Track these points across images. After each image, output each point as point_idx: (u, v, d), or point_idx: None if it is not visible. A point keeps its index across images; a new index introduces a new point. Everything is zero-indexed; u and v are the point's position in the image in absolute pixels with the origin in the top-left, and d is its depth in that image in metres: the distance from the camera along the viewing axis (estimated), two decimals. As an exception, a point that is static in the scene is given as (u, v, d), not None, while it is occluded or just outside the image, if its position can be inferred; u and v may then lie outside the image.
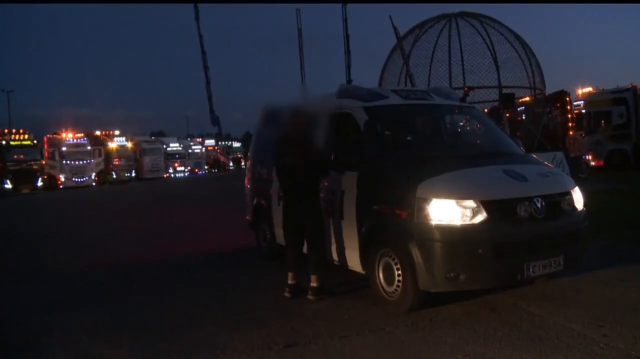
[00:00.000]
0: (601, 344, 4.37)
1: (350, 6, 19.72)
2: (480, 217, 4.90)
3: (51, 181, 36.98)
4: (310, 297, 5.91)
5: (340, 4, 20.10)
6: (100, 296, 6.77)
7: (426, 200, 4.96)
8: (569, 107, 21.72)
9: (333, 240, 6.11)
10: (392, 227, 5.28)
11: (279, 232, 7.33)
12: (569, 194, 5.52)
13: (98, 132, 44.32)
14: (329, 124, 5.95)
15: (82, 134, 40.29)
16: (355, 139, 5.91)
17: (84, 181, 38.36)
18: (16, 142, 35.24)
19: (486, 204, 4.93)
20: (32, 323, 5.77)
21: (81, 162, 38.55)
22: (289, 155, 5.90)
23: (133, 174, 43.54)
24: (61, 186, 37.06)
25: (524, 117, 20.79)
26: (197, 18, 20.65)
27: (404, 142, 6.40)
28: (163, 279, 7.46)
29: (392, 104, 6.34)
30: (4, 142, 34.67)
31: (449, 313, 5.30)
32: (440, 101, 6.69)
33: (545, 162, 6.24)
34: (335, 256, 6.15)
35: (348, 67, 21.81)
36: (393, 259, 5.30)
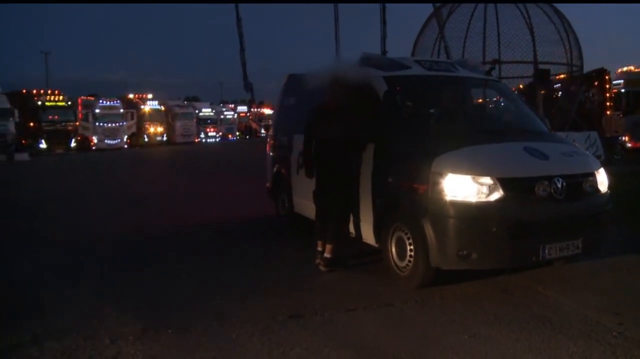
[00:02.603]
0: (614, 333, 4.22)
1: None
2: (497, 194, 4.77)
3: (84, 142, 37.57)
4: (321, 268, 5.89)
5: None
6: (111, 264, 6.77)
7: (441, 175, 4.84)
8: (607, 86, 21.05)
9: (353, 213, 6.04)
10: (406, 201, 5.18)
11: (298, 201, 7.31)
12: (592, 175, 5.31)
13: (131, 95, 44.67)
14: (356, 95, 5.84)
15: (115, 97, 40.74)
16: (374, 110, 5.78)
17: (116, 143, 38.87)
18: (51, 103, 35.78)
19: (503, 182, 4.78)
20: (46, 285, 5.86)
21: (114, 125, 39.06)
22: (329, 127, 5.77)
23: (164, 138, 43.87)
24: (94, 148, 37.63)
25: (559, 95, 20.23)
26: (233, -17, 20.52)
27: (423, 114, 6.23)
28: (177, 248, 7.44)
29: (413, 74, 6.18)
30: (39, 103, 35.25)
31: (460, 291, 5.21)
32: (465, 74, 6.50)
33: (573, 142, 6.00)
34: (351, 228, 6.08)
35: (384, 38, 21.41)
36: (406, 234, 5.22)
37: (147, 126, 43.07)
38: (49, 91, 37.10)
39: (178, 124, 45.65)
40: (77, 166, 24.23)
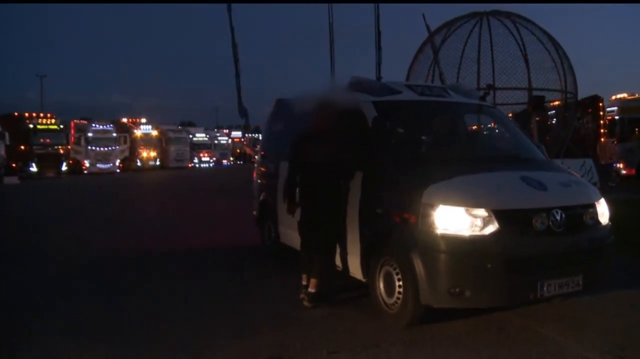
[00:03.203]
0: (619, 378, 3.89)
1: (383, 3, 19.14)
2: (492, 228, 4.45)
3: (76, 166, 37.29)
4: (305, 303, 5.54)
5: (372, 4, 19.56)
6: (81, 293, 6.43)
7: (432, 206, 4.52)
8: (601, 113, 20.96)
9: (339, 245, 5.71)
10: (395, 234, 4.86)
11: (284, 231, 6.99)
12: (592, 206, 5.00)
13: (125, 120, 44.51)
14: (344, 121, 5.58)
15: (108, 121, 40.56)
16: (363, 136, 5.50)
17: (108, 167, 38.58)
18: (43, 126, 35.54)
19: (498, 214, 4.47)
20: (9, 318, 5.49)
21: (106, 149, 38.82)
22: (314, 152, 5.47)
23: (157, 163, 43.58)
24: (85, 172, 37.31)
25: (554, 122, 20.11)
26: (229, 9, 20.44)
27: (414, 141, 5.96)
28: (155, 278, 7.08)
29: (404, 99, 5.90)
30: (30, 126, 34.98)
31: (453, 330, 4.85)
32: (458, 99, 6.22)
33: (571, 171, 5.72)
34: (337, 261, 5.75)
35: (379, 64, 21.37)
36: (394, 269, 4.89)
37: (140, 150, 42.87)
38: (41, 114, 36.93)
39: (172, 149, 45.54)
40: (66, 191, 23.81)
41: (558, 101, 19.07)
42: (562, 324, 4.99)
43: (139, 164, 42.00)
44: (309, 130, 5.65)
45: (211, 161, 49.17)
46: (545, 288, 4.50)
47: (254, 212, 8.27)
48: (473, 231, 4.45)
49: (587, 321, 5.10)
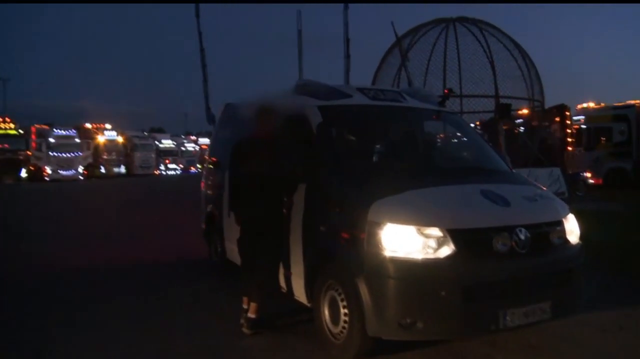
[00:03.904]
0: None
1: (352, 9, 18.74)
2: (447, 250, 3.92)
3: (37, 173, 35.99)
4: (244, 330, 4.96)
5: (342, 4, 19.16)
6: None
7: (379, 224, 3.97)
8: (568, 122, 20.82)
9: (283, 263, 5.14)
10: (339, 255, 4.31)
11: (230, 247, 6.40)
12: (560, 223, 4.49)
13: (88, 125, 43.34)
14: (288, 127, 5.04)
15: (70, 126, 39.37)
16: (308, 144, 4.95)
17: (71, 174, 37.37)
18: (1, 131, 34.35)
19: (455, 234, 3.95)
20: None
21: (69, 155, 37.56)
22: (253, 162, 4.88)
23: (123, 170, 42.47)
24: (47, 178, 36.06)
25: (521, 130, 19.93)
26: (197, 15, 19.82)
27: (364, 150, 5.41)
28: (82, 297, 6.38)
29: (353, 104, 5.35)
30: (-13, 131, 33.75)
31: (406, 363, 4.34)
32: (414, 104, 5.68)
33: (536, 184, 5.22)
34: (282, 281, 5.20)
35: (347, 71, 20.99)
36: (339, 295, 4.31)
37: (104, 156, 41.71)
38: (0, 119, 35.60)
39: (137, 156, 44.51)
40: (21, 198, 22.80)
41: (526, 109, 18.92)
42: (529, 354, 4.52)
43: (103, 171, 40.82)
44: (247, 137, 5.08)
45: (178, 168, 48.19)
46: (507, 318, 3.97)
47: (202, 225, 7.68)
48: (426, 253, 3.91)
49: (556, 349, 4.63)
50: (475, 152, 5.75)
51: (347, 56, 21.13)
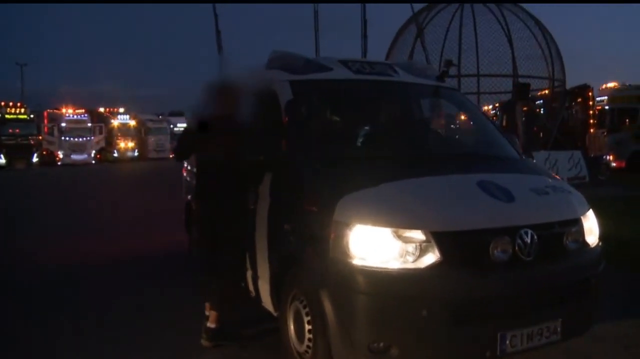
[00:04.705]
0: None
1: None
2: (431, 257, 3.10)
3: (49, 157, 35.84)
4: (203, 342, 4.24)
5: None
6: None
7: (347, 225, 3.18)
8: (590, 103, 19.91)
9: (248, 264, 4.44)
10: (302, 260, 3.51)
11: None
12: (577, 222, 3.60)
13: (102, 109, 43.11)
14: (254, 107, 4.34)
15: (82, 110, 39.07)
16: (275, 126, 4.21)
17: (83, 158, 37.15)
18: (11, 116, 34.19)
19: (441, 238, 3.11)
20: None
21: (81, 139, 37.34)
22: (211, 147, 4.22)
23: (136, 154, 42.14)
24: (59, 163, 35.91)
25: (541, 112, 19.07)
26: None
27: (340, 133, 4.57)
28: (53, 298, 5.68)
29: (332, 78, 4.55)
30: (-1, 116, 33.60)
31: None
32: (406, 79, 4.82)
33: (550, 172, 4.44)
34: (250, 285, 4.52)
35: (364, 52, 20.32)
36: (304, 308, 3.48)
37: (117, 140, 41.42)
38: (10, 103, 35.39)
39: (151, 139, 44.06)
40: (31, 183, 22.42)
41: (546, 89, 18.05)
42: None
43: (115, 155, 40.54)
44: (205, 118, 4.31)
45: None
46: (508, 342, 3.17)
47: (183, 215, 7.05)
48: (404, 262, 3.10)
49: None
50: (477, 134, 4.95)
51: (365, 36, 20.38)
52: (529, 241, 3.27)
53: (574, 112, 20.18)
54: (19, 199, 15.87)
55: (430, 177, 3.60)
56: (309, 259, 3.41)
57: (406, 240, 3.11)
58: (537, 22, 17.32)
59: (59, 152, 36.44)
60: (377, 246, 3.11)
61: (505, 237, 3.20)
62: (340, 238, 3.18)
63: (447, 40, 17.45)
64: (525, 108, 17.08)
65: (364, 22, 19.36)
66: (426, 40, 17.20)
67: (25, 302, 5.52)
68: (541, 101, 19.32)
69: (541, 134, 18.50)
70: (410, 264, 3.09)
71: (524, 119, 16.60)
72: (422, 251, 3.10)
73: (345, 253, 3.16)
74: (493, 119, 23.37)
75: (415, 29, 17.26)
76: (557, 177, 4.27)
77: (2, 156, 32.51)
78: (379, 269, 3.08)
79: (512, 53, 16.35)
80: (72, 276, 6.56)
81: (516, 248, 3.23)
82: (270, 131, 4.21)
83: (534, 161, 14.05)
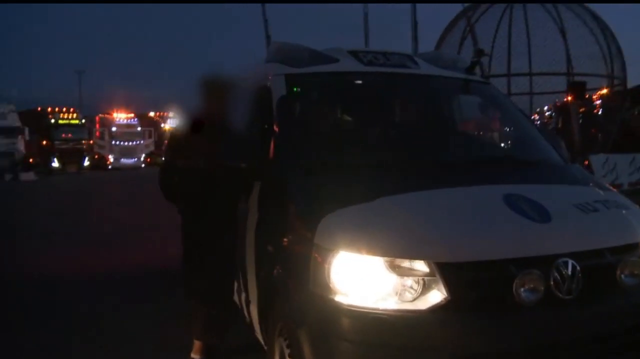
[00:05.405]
0: None
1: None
2: (435, 296, 2.36)
3: (100, 161, 36.68)
4: None
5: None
6: None
7: (330, 251, 2.47)
8: (655, 103, 18.56)
9: (242, 285, 3.78)
10: (282, 290, 2.83)
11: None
12: (636, 248, 2.71)
13: (152, 114, 43.83)
14: (246, 105, 3.75)
15: (132, 115, 39.81)
16: (264, 127, 3.56)
17: (133, 162, 37.85)
18: (64, 121, 35.11)
19: (449, 271, 2.36)
20: None
21: (131, 143, 38.10)
22: (192, 153, 3.64)
23: (186, 157, 42.52)
24: (110, 167, 36.65)
25: (600, 113, 17.86)
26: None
27: (339, 136, 3.82)
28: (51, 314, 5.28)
29: (336, 71, 3.82)
30: (52, 121, 34.52)
31: None
32: (427, 71, 4.03)
33: (602, 183, 3.51)
34: (244, 310, 3.85)
35: (415, 39, 19.71)
36: (287, 347, 2.74)
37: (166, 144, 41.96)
38: (64, 109, 36.33)
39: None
40: (79, 188, 22.52)
41: (605, 88, 16.85)
42: None
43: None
44: (190, 120, 3.76)
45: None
46: None
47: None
48: (400, 302, 2.37)
49: None
50: (511, 136, 4.16)
51: (415, 39, 19.78)
52: (569, 273, 2.47)
53: (636, 113, 18.87)
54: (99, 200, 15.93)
55: (442, 190, 2.84)
56: (290, 290, 2.73)
57: (404, 273, 2.38)
58: (596, 17, 16.17)
59: (110, 156, 37.22)
60: (366, 280, 2.40)
61: (536, 270, 2.41)
62: (320, 267, 2.47)
63: (497, 39, 16.50)
64: (582, 109, 15.98)
65: (415, 25, 18.73)
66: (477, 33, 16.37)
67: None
68: (599, 101, 18.13)
69: (599, 136, 17.31)
70: (408, 304, 2.36)
71: (580, 120, 15.52)
72: (425, 287, 2.37)
73: (325, 287, 2.45)
74: (548, 120, 22.30)
75: (463, 26, 16.46)
76: (613, 188, 3.43)
77: (55, 160, 33.28)
78: (367, 310, 2.36)
79: (567, 50, 15.27)
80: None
81: (551, 284, 2.44)
82: (258, 133, 3.59)
83: (591, 165, 13.12)
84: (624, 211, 2.97)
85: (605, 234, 2.73)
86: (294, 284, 2.66)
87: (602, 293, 2.56)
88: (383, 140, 3.76)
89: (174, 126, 4.10)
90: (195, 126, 3.59)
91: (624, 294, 2.62)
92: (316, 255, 2.51)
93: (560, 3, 15.68)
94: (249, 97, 3.77)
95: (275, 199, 3.18)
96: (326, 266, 2.45)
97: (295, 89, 3.58)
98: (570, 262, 2.46)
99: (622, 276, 2.62)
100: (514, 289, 2.37)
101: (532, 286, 2.39)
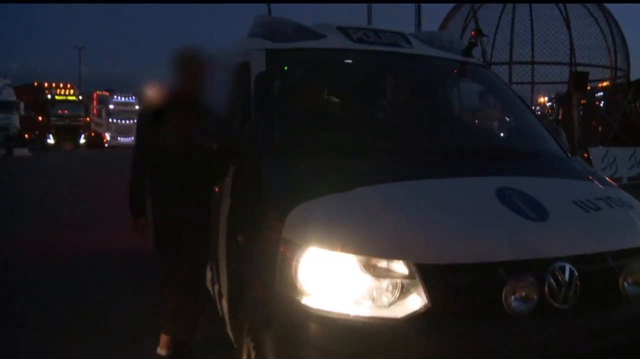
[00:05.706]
0: None
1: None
2: (414, 302, 2.09)
3: (96, 139, 36.39)
4: None
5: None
6: None
7: (299, 247, 2.20)
8: (657, 96, 18.32)
9: (215, 277, 3.59)
10: (248, 289, 2.61)
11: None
12: (638, 252, 2.44)
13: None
14: (224, 82, 3.50)
15: (131, 93, 39.55)
16: (240, 107, 3.33)
17: (130, 140, 37.54)
18: (61, 97, 34.80)
19: (429, 273, 2.09)
20: None
21: (128, 122, 37.73)
22: (163, 133, 3.42)
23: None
24: (106, 145, 36.36)
25: (601, 105, 17.62)
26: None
27: (320, 117, 3.52)
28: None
29: (322, 47, 3.55)
30: (49, 96, 34.19)
31: None
32: (420, 51, 3.75)
33: (604, 177, 3.24)
34: (217, 303, 3.66)
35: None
36: (254, 349, 2.50)
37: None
38: (61, 84, 35.99)
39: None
40: (71, 165, 22.36)
41: (607, 80, 16.61)
42: None
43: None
44: (162, 98, 3.49)
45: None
46: None
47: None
48: (375, 307, 2.12)
49: None
50: (508, 124, 3.91)
51: (419, 24, 19.49)
52: (566, 279, 2.20)
53: (637, 106, 18.63)
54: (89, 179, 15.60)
55: (427, 181, 2.59)
56: (257, 288, 2.48)
57: (380, 274, 2.13)
58: (601, 7, 15.88)
59: (107, 134, 36.91)
60: (337, 281, 2.15)
61: (529, 275, 2.16)
62: (288, 265, 2.21)
63: (499, 27, 16.22)
64: (583, 101, 15.73)
65: (418, 25, 18.31)
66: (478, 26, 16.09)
67: None
68: (601, 94, 17.90)
69: (600, 128, 17.10)
70: (383, 310, 2.11)
71: (581, 111, 15.28)
72: (403, 291, 2.10)
73: (293, 287, 2.20)
74: (549, 111, 22.00)
75: (466, 12, 16.18)
76: (613, 184, 3.17)
77: (50, 136, 33.02)
78: (337, 316, 2.11)
79: (570, 39, 15.01)
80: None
81: (546, 291, 2.17)
82: (235, 113, 3.34)
83: (590, 158, 12.88)
84: (628, 211, 2.69)
85: (608, 236, 2.47)
86: (260, 281, 2.41)
87: (602, 302, 2.31)
88: (368, 124, 3.44)
89: (144, 104, 3.83)
90: (168, 101, 3.34)
91: (627, 302, 2.36)
92: (284, 250, 2.25)
93: (562, 3, 15.44)
94: (227, 73, 3.51)
95: (247, 185, 2.92)
96: (294, 263, 2.19)
97: (275, 65, 3.32)
98: (567, 266, 2.20)
99: (625, 283, 2.35)
100: (503, 297, 2.11)
101: (524, 293, 2.13)
